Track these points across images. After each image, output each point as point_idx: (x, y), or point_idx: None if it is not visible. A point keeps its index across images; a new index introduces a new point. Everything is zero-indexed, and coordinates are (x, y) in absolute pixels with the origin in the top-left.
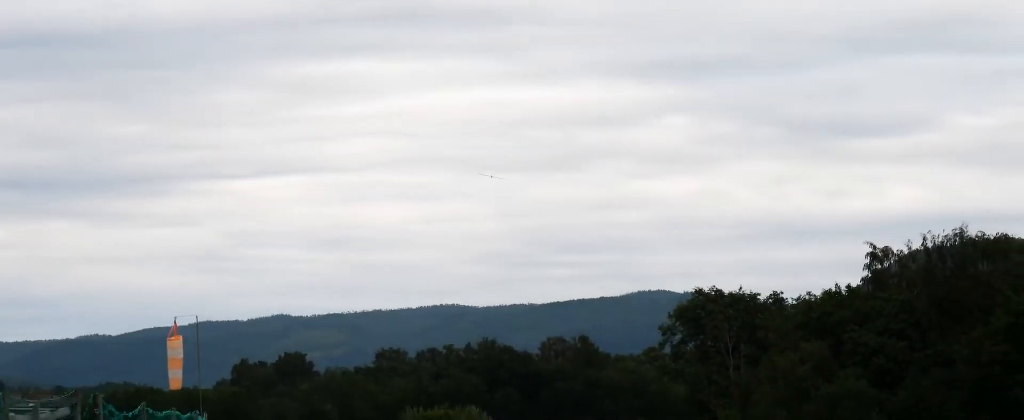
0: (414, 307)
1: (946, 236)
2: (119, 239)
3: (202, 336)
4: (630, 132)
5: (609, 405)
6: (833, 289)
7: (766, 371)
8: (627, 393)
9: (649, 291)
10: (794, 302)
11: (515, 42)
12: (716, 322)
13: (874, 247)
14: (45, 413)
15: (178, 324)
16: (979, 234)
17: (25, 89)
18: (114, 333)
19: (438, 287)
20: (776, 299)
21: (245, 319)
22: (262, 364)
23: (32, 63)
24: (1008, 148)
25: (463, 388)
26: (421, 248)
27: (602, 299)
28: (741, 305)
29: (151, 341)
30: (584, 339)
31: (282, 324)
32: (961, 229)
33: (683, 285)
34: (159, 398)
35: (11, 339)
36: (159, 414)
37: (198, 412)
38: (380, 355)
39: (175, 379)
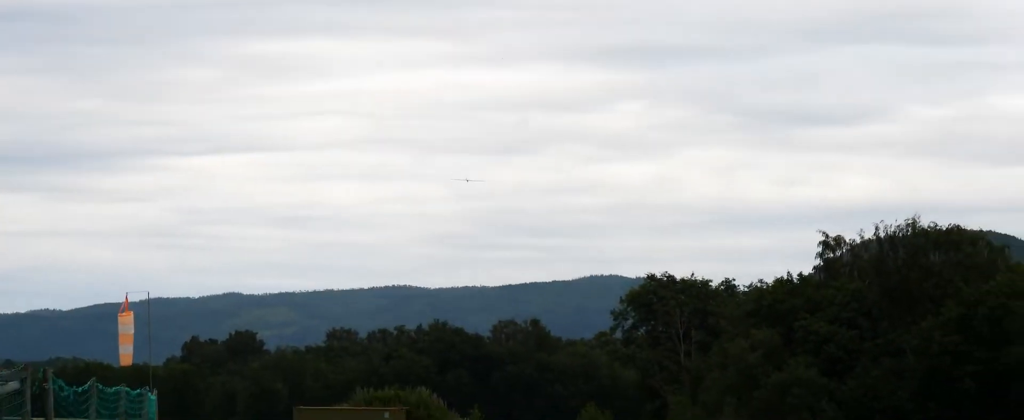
0: (366, 287)
1: (899, 226)
2: (71, 214)
3: (153, 313)
4: (585, 117)
5: (560, 389)
6: (785, 277)
7: (717, 358)
8: (578, 377)
9: (601, 276)
10: (746, 289)
11: (472, 24)
12: (668, 308)
13: (826, 236)
14: None
15: (129, 300)
16: (932, 225)
17: None
18: (65, 308)
19: (390, 268)
20: (728, 286)
21: (196, 296)
22: (212, 342)
23: None
24: (962, 139)
25: (414, 369)
26: (374, 229)
27: (554, 283)
28: (693, 291)
29: (102, 316)
30: (535, 322)
31: (233, 302)
32: (914, 219)
33: (635, 270)
34: (109, 374)
35: None
36: (109, 390)
37: (148, 389)
38: (331, 335)
39: (125, 355)
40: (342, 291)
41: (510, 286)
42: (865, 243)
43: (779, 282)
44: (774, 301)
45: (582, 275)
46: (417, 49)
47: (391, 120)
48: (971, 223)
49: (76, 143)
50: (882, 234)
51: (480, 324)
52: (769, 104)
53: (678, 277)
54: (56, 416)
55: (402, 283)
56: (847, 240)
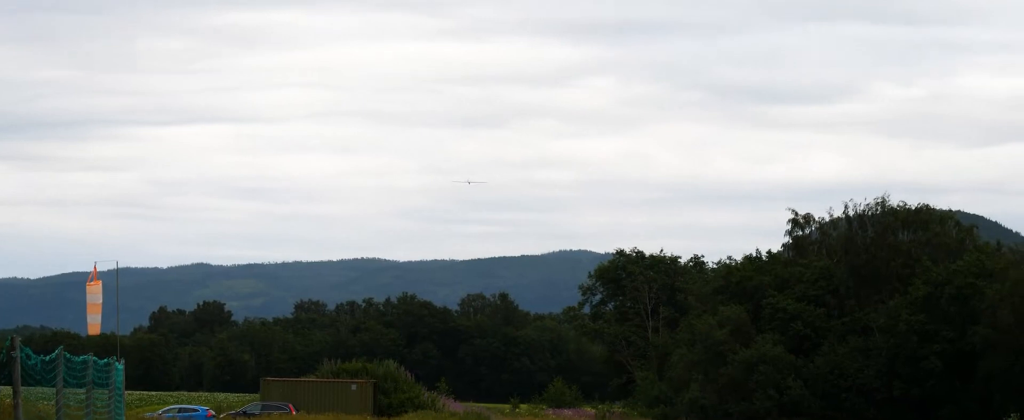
0: (335, 260)
1: (868, 205)
2: (41, 183)
3: (121, 282)
4: (555, 92)
5: (527, 363)
6: (754, 254)
7: (684, 334)
8: (545, 352)
9: (570, 250)
10: (714, 266)
11: None
12: (636, 284)
13: (796, 214)
14: None
15: (98, 269)
16: (901, 204)
17: None
18: (33, 277)
19: (359, 240)
20: (697, 262)
21: (165, 266)
22: (180, 312)
23: None
24: (931, 119)
25: (381, 342)
26: (343, 201)
27: (523, 257)
28: (662, 267)
29: (70, 285)
30: (503, 296)
31: (202, 273)
32: (883, 198)
33: (604, 246)
34: (77, 343)
35: None
36: (76, 359)
37: (115, 358)
38: (299, 306)
39: (93, 324)
40: (310, 263)
41: (479, 260)
42: (834, 221)
43: (748, 259)
44: (742, 278)
45: (551, 250)
46: (386, 22)
47: (360, 92)
48: (940, 202)
49: (45, 112)
50: (851, 213)
51: (449, 297)
52: (739, 81)
53: (647, 253)
54: (23, 385)
55: (371, 256)
56: (816, 218)
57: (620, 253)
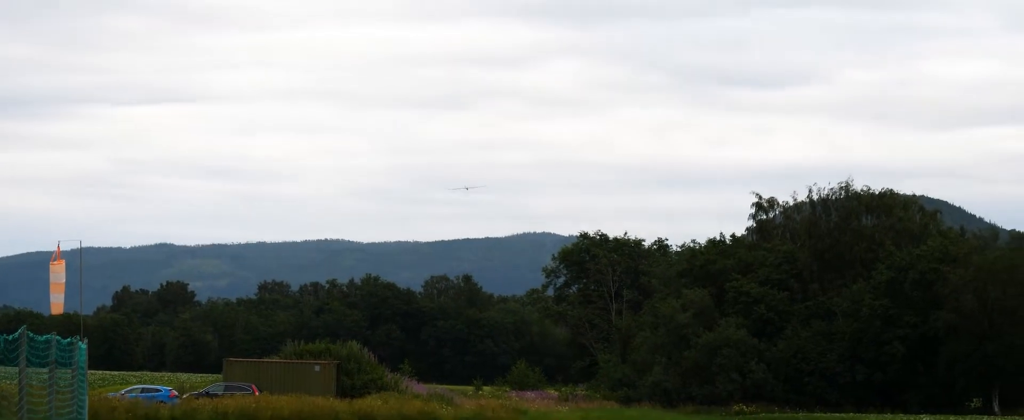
0: (299, 241)
1: (832, 189)
2: (3, 161)
3: (85, 262)
4: (519, 73)
5: (490, 345)
6: (718, 238)
7: (648, 317)
8: (509, 334)
9: (534, 233)
10: (678, 249)
11: None
12: (600, 266)
13: (759, 197)
14: None
15: (61, 249)
16: (864, 188)
17: None
18: None
19: (323, 222)
20: (661, 246)
21: (128, 246)
22: (144, 292)
23: None
24: (895, 103)
25: (345, 323)
26: (307, 182)
27: (487, 239)
28: (625, 250)
29: (33, 264)
30: (467, 278)
31: (165, 252)
32: (847, 182)
33: (568, 228)
34: (40, 322)
35: None
36: (39, 338)
37: (78, 338)
38: (263, 287)
39: (56, 304)
40: (275, 243)
41: (443, 242)
42: (798, 205)
43: (711, 243)
44: (706, 262)
45: (515, 232)
46: (350, 3)
47: (324, 73)
48: (904, 187)
49: (6, 91)
50: (815, 197)
51: (412, 279)
52: (703, 65)
53: (611, 236)
54: None
55: (334, 237)
56: (780, 202)
57: (584, 236)
